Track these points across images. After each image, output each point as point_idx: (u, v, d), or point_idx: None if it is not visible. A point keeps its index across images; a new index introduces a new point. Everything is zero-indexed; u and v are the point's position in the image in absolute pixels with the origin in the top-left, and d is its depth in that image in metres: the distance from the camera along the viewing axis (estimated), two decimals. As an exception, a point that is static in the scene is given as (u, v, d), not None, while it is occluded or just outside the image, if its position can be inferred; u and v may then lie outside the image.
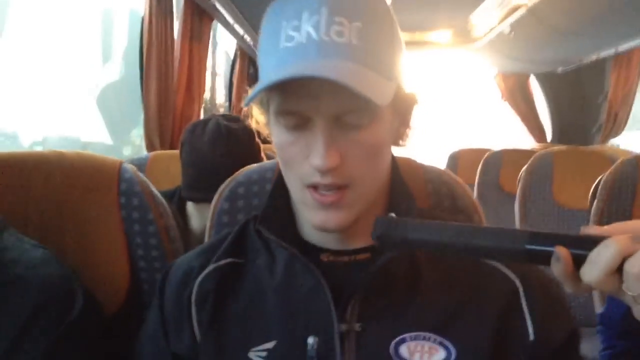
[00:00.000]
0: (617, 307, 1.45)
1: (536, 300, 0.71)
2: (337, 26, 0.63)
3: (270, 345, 0.70)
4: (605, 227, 0.51)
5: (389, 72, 0.67)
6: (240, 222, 0.83)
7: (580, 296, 2.13)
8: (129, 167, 0.94)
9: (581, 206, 2.21)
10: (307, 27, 0.63)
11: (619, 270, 0.48)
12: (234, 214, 0.95)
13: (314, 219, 0.69)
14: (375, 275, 0.69)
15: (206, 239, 0.95)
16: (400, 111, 0.72)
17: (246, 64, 4.53)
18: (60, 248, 0.82)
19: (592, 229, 0.52)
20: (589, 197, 1.68)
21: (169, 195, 1.43)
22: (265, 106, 0.71)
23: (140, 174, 0.94)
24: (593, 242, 0.50)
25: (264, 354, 0.70)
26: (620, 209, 1.55)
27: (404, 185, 0.77)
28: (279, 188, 0.77)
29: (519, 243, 0.53)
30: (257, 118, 0.75)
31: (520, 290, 0.72)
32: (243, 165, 1.00)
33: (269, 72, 0.65)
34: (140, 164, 1.94)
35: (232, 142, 1.38)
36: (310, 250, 0.74)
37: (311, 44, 0.63)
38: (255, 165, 1.01)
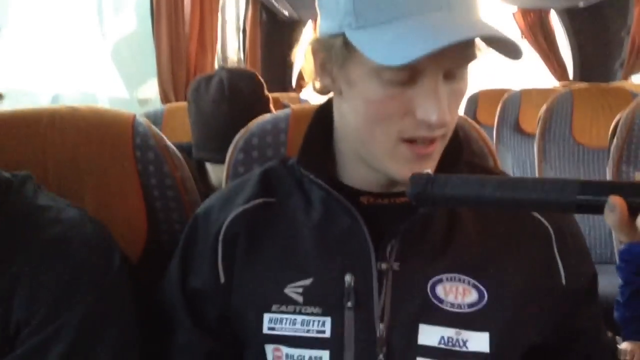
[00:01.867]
0: (638, 244, 1.45)
1: (567, 246, 0.74)
2: None
3: (307, 282, 0.72)
4: None
5: None
6: (254, 170, 0.84)
7: (601, 235, 2.13)
8: (143, 120, 0.95)
9: (602, 145, 2.18)
10: None
11: None
12: (249, 165, 0.95)
13: (403, 172, 0.67)
14: (416, 220, 0.70)
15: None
16: None
17: (259, 11, 4.45)
18: (79, 203, 0.83)
19: None
20: (609, 135, 1.66)
21: (187, 149, 1.41)
22: (342, 54, 0.66)
23: (154, 127, 0.95)
24: None
25: (300, 290, 0.72)
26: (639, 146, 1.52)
27: (456, 134, 0.76)
28: (317, 132, 0.78)
29: (569, 194, 0.50)
30: (309, 62, 0.72)
31: (553, 236, 0.74)
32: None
33: (390, 24, 0.61)
34: (156, 117, 1.95)
35: (237, 102, 1.34)
36: (350, 193, 0.74)
37: None
38: (268, 115, 1.01)
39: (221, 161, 1.02)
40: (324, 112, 0.79)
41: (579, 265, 0.75)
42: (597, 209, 0.50)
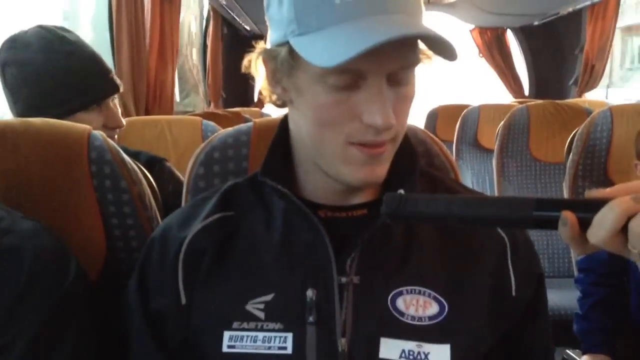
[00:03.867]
0: (597, 254, 1.48)
1: (519, 258, 0.76)
2: None
3: (268, 297, 0.71)
4: (608, 189, 0.53)
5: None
6: (218, 186, 0.83)
7: (559, 248, 2.18)
8: (99, 134, 0.92)
9: (558, 160, 2.24)
10: None
11: (623, 230, 0.50)
12: (209, 179, 0.93)
13: (357, 175, 0.69)
14: (375, 231, 0.71)
15: (183, 204, 0.93)
16: None
17: (220, 25, 4.44)
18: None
19: (596, 192, 0.54)
20: (565, 151, 1.70)
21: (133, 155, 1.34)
22: (288, 63, 0.68)
23: (111, 141, 0.92)
24: (597, 204, 0.51)
25: (261, 305, 0.71)
26: (595, 161, 1.57)
27: (408, 142, 0.77)
28: (280, 144, 0.78)
29: (526, 211, 0.54)
30: (261, 74, 0.74)
31: (508, 248, 0.75)
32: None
33: (329, 29, 0.63)
34: (114, 131, 1.90)
35: (69, 46, 1.24)
36: (308, 207, 0.74)
37: None
38: (230, 129, 0.99)
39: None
40: (285, 124, 0.79)
41: (528, 276, 0.77)
42: (552, 224, 0.53)
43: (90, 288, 0.78)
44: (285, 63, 0.68)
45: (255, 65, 0.74)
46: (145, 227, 0.93)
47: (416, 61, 0.67)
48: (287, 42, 0.66)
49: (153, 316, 0.76)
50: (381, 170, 0.70)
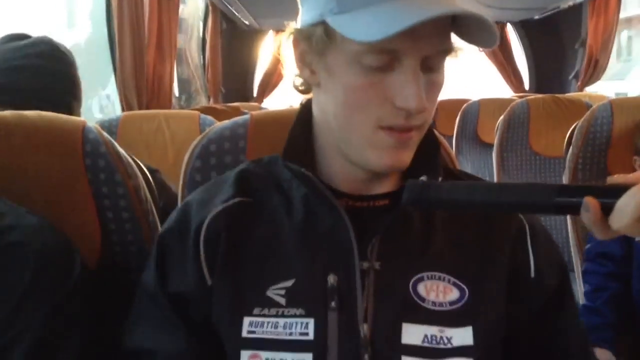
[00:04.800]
0: (614, 242, 1.45)
1: (539, 242, 0.76)
2: None
3: (289, 283, 0.71)
4: (631, 175, 0.54)
5: None
6: (227, 173, 0.82)
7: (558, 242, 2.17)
8: (93, 127, 0.91)
9: (558, 154, 2.23)
10: None
11: None
12: (206, 172, 0.93)
13: (383, 159, 0.69)
14: (396, 218, 0.71)
15: (179, 199, 0.93)
16: None
17: (219, 20, 4.42)
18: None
19: (619, 178, 0.54)
20: (564, 145, 1.69)
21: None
22: (322, 43, 0.67)
23: (105, 134, 0.91)
24: (619, 190, 0.52)
25: (282, 291, 0.71)
26: (595, 155, 1.56)
27: (431, 133, 0.78)
28: (302, 130, 0.78)
29: (548, 197, 0.55)
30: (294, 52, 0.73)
31: (527, 229, 0.76)
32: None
33: (370, 7, 0.63)
34: (111, 126, 1.90)
35: (36, 44, 1.23)
36: (331, 193, 0.74)
37: None
38: (227, 121, 0.98)
39: None
40: (306, 109, 0.79)
41: (550, 261, 0.77)
42: (574, 209, 0.54)
43: (92, 282, 0.78)
44: (320, 43, 0.67)
45: (282, 47, 0.75)
46: (141, 221, 0.92)
47: (450, 48, 0.67)
48: (323, 22, 0.66)
49: (175, 298, 0.74)
50: (407, 157, 0.70)
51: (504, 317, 0.73)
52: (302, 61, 0.72)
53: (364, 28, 0.61)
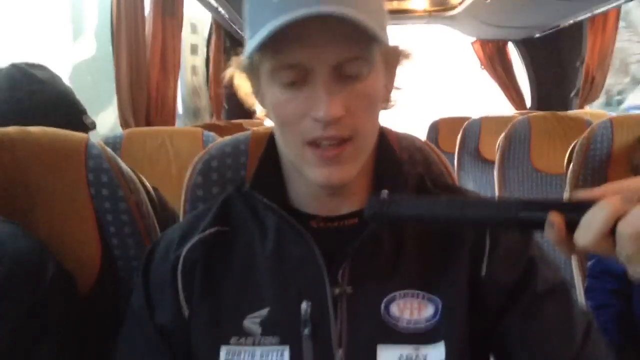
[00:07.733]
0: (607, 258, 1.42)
1: (499, 241, 0.73)
2: None
3: (264, 312, 0.71)
4: (596, 189, 0.51)
5: (382, 21, 0.68)
6: (217, 195, 0.82)
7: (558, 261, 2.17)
8: (96, 142, 0.92)
9: (559, 171, 2.23)
10: None
11: (611, 231, 0.48)
12: (208, 188, 0.93)
13: (317, 176, 0.69)
14: (365, 240, 0.71)
15: (181, 214, 0.93)
16: (391, 66, 0.73)
17: (222, 38, 4.46)
18: (29, 227, 0.80)
19: (583, 193, 0.52)
20: (565, 162, 1.70)
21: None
22: (253, 70, 0.70)
23: (108, 150, 0.92)
24: (585, 206, 0.50)
25: (257, 320, 0.71)
26: (595, 172, 1.56)
27: (390, 148, 0.78)
28: (270, 155, 0.78)
29: (512, 212, 0.53)
30: (243, 87, 0.75)
31: (487, 233, 0.73)
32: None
33: (265, 24, 0.63)
34: (115, 142, 1.91)
35: (35, 85, 1.23)
36: (300, 218, 0.74)
37: None
38: (228, 137, 0.99)
39: None
40: (273, 135, 0.79)
41: (506, 260, 0.72)
42: (538, 225, 0.52)
43: (75, 293, 0.78)
44: (249, 70, 0.71)
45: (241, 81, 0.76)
46: (143, 236, 0.93)
47: (365, 55, 0.65)
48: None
49: (160, 328, 0.75)
50: (342, 172, 0.68)
51: (469, 325, 0.70)
52: (253, 90, 0.74)
53: (255, 42, 0.63)
